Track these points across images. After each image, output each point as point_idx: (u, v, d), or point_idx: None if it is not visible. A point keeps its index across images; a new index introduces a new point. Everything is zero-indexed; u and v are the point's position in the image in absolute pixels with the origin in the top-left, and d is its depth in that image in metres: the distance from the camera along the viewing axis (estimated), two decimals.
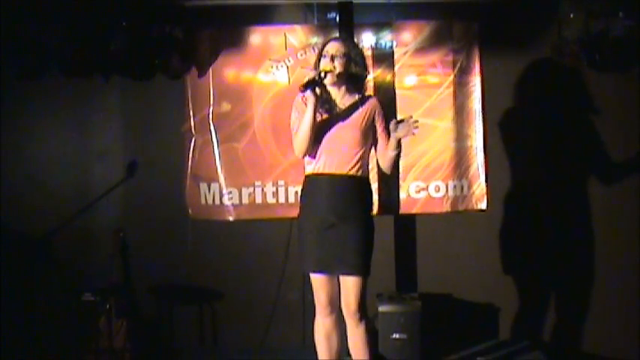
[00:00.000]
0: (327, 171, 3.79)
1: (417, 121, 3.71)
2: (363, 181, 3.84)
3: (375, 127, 3.87)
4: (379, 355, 4.75)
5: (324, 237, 3.77)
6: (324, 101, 3.79)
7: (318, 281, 3.88)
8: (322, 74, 3.75)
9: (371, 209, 3.91)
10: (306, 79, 3.73)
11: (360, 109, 3.83)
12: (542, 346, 5.10)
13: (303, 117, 3.74)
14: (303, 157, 3.84)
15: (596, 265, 5.26)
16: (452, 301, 5.23)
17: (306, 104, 3.76)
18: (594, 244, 5.26)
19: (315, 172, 3.82)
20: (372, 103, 3.87)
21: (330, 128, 3.78)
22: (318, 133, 3.77)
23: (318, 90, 3.72)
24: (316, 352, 4.02)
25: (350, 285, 3.80)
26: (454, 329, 5.18)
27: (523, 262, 5.24)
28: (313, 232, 3.80)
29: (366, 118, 3.83)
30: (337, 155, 3.77)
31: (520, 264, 5.25)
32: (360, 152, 3.81)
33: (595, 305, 5.27)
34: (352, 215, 3.77)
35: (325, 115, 3.80)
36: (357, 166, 3.80)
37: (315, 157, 3.81)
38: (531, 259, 5.24)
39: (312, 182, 3.83)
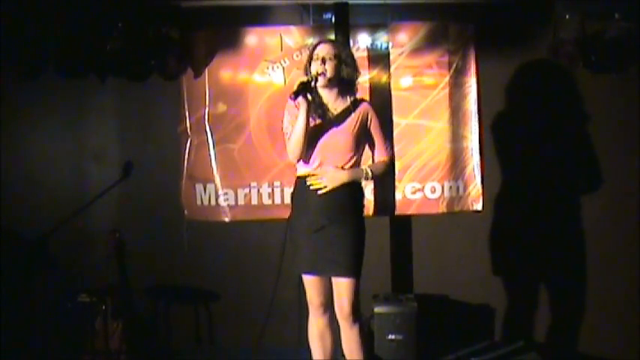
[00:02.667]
0: (320, 172, 3.79)
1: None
2: (354, 184, 3.83)
3: (368, 131, 3.86)
4: (375, 356, 4.75)
5: (315, 239, 3.77)
6: (316, 106, 3.78)
7: (310, 282, 3.89)
8: (314, 78, 3.74)
9: (362, 212, 3.90)
10: (296, 86, 3.71)
11: (353, 114, 3.82)
12: (538, 346, 5.10)
13: (296, 121, 3.73)
14: (297, 162, 3.84)
15: (591, 266, 5.26)
16: (447, 302, 5.23)
17: (298, 108, 3.74)
18: (590, 245, 5.26)
19: (308, 173, 3.81)
20: (364, 108, 3.86)
21: (322, 132, 3.78)
22: (311, 137, 3.76)
23: (309, 95, 3.71)
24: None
25: (342, 287, 3.80)
26: (450, 330, 5.18)
27: (518, 263, 5.24)
28: (304, 233, 3.80)
29: (358, 122, 3.82)
30: (330, 159, 3.78)
31: (515, 265, 5.25)
32: (353, 156, 3.81)
33: (590, 306, 5.27)
34: (343, 217, 3.77)
35: (318, 120, 3.79)
36: (349, 168, 3.80)
37: (308, 160, 3.81)
38: (527, 260, 5.24)
39: (304, 184, 3.82)
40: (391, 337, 4.78)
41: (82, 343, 4.80)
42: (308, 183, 3.79)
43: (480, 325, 5.26)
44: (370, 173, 3.83)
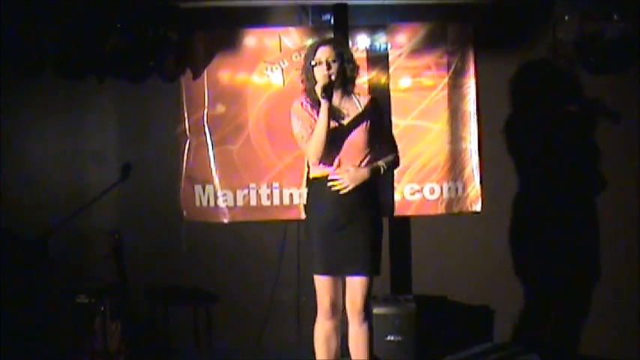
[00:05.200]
0: (339, 172, 3.75)
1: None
2: (371, 182, 3.81)
3: (376, 126, 3.84)
4: (374, 357, 4.74)
5: (334, 239, 3.75)
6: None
7: (324, 284, 3.83)
8: (334, 80, 3.70)
9: (379, 209, 3.90)
10: (323, 86, 3.64)
11: (362, 111, 3.81)
12: (538, 348, 5.08)
13: (314, 124, 3.69)
14: (319, 164, 3.77)
15: (591, 267, 5.25)
16: (446, 304, 5.22)
17: (307, 110, 3.74)
18: (590, 246, 5.25)
19: (327, 174, 3.77)
20: (370, 100, 3.86)
21: (336, 133, 3.73)
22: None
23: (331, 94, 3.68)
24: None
25: (358, 284, 3.80)
26: (449, 331, 5.16)
27: (518, 264, 5.23)
28: (323, 233, 3.76)
29: (368, 119, 3.79)
30: (348, 157, 3.75)
31: (515, 266, 5.23)
32: (368, 153, 3.79)
33: (590, 307, 5.25)
34: (363, 215, 3.76)
35: (331, 122, 3.73)
36: (367, 165, 3.79)
37: (325, 162, 3.76)
38: (526, 261, 5.22)
39: (321, 185, 3.79)
40: (390, 338, 4.77)
41: (81, 344, 4.79)
42: (329, 184, 3.76)
43: (479, 326, 5.25)
44: (385, 168, 3.84)
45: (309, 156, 3.77)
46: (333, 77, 3.71)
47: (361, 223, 3.76)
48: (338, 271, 3.81)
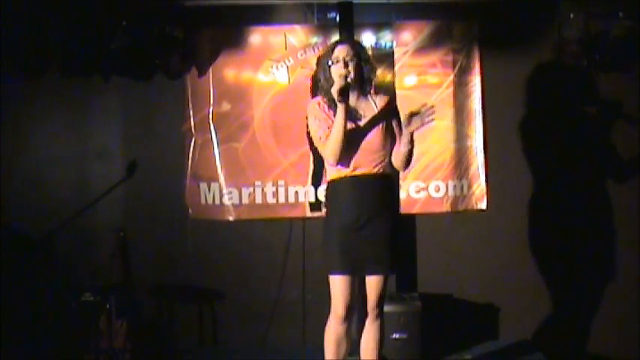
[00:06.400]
0: (357, 173, 3.73)
1: (432, 107, 3.68)
2: (391, 179, 3.83)
3: (392, 125, 3.83)
4: (380, 355, 4.74)
5: (356, 238, 3.73)
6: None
7: (340, 284, 3.77)
8: (349, 79, 3.66)
9: (399, 206, 3.88)
10: (339, 88, 3.59)
11: (378, 110, 3.79)
12: (543, 346, 5.09)
13: (331, 124, 3.66)
14: (336, 165, 3.74)
15: (598, 265, 5.25)
16: (452, 301, 5.23)
17: (324, 110, 3.73)
18: (596, 244, 5.25)
19: (344, 175, 3.75)
20: (386, 101, 3.84)
21: (354, 133, 3.70)
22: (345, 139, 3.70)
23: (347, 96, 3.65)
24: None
25: (375, 282, 3.81)
26: (454, 329, 5.16)
27: (523, 262, 5.23)
28: (344, 233, 3.74)
29: (384, 119, 3.78)
30: (365, 157, 3.73)
31: (520, 264, 5.23)
32: (387, 151, 3.78)
33: (596, 305, 5.26)
34: (384, 213, 3.75)
35: (348, 122, 3.70)
36: (384, 165, 3.77)
37: (342, 164, 3.75)
38: (531, 259, 5.23)
39: (340, 185, 3.77)
40: (396, 336, 4.76)
41: (86, 342, 4.79)
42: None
43: (484, 324, 5.25)
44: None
45: (327, 157, 3.73)
46: (349, 79, 3.66)
47: (382, 221, 3.75)
48: (358, 270, 3.79)
